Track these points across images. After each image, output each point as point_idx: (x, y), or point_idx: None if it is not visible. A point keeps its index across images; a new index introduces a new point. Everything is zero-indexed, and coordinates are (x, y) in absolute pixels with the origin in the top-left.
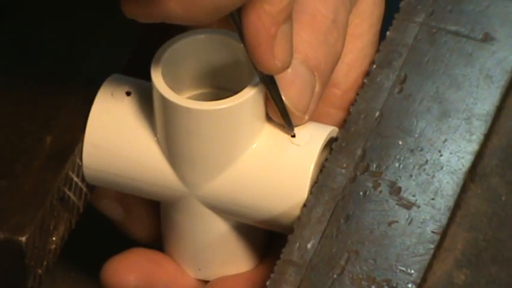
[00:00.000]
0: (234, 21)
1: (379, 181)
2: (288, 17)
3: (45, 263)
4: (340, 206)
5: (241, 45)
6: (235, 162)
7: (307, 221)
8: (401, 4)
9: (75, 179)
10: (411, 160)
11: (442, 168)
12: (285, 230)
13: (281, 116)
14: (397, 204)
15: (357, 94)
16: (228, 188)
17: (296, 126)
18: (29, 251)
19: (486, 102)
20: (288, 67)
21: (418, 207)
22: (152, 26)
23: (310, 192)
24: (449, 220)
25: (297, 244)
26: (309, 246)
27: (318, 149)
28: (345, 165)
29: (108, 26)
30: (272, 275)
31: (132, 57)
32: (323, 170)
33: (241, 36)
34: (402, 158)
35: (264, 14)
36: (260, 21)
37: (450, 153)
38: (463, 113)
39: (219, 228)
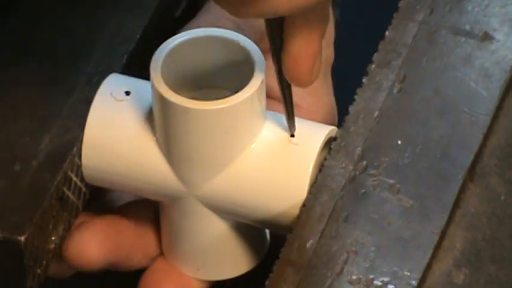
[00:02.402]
0: (271, 34)
1: (378, 181)
2: (326, 27)
3: (44, 262)
4: (339, 206)
5: (241, 44)
6: (234, 162)
7: (306, 221)
8: (400, 4)
9: (74, 178)
10: (410, 160)
11: (440, 167)
12: (284, 229)
13: (286, 116)
14: (396, 204)
15: (356, 94)
16: (227, 188)
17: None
18: (28, 251)
19: (485, 101)
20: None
21: (417, 207)
22: None
23: (309, 192)
24: (449, 220)
25: (296, 244)
26: (308, 246)
27: (317, 149)
28: (344, 164)
29: (108, 25)
30: (271, 275)
31: (131, 57)
32: (322, 170)
33: (276, 50)
34: (401, 158)
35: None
36: (310, 39)
37: (448, 153)
38: (462, 112)
39: (218, 227)
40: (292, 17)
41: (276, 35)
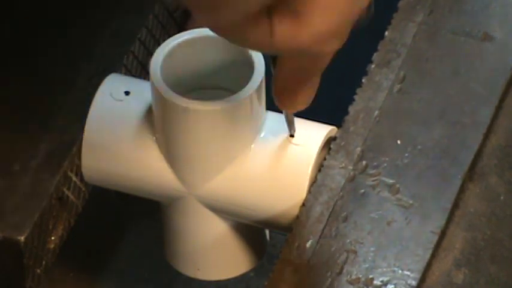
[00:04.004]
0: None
1: (378, 181)
2: (322, 70)
3: (44, 262)
4: (338, 206)
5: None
6: (234, 162)
7: (306, 221)
8: (400, 4)
9: (74, 178)
10: (410, 160)
11: (440, 167)
12: (284, 229)
13: (285, 117)
14: (395, 204)
15: (356, 94)
16: (227, 188)
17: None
18: (28, 251)
19: (485, 101)
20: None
21: (417, 207)
22: None
23: (309, 192)
24: (448, 220)
25: (296, 244)
26: (307, 245)
27: (317, 149)
28: (343, 164)
29: (107, 25)
30: (271, 275)
31: (131, 57)
32: (322, 170)
33: (274, 64)
34: (401, 158)
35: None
36: (295, 71)
37: (448, 153)
38: (461, 112)
39: (217, 228)
40: None
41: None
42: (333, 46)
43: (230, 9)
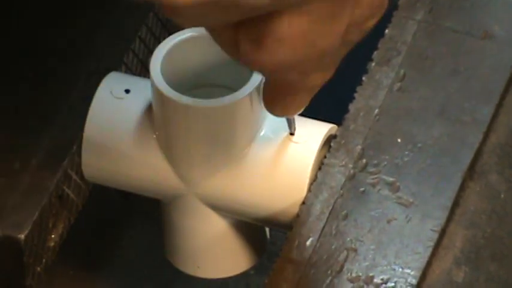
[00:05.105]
0: None
1: (378, 179)
2: (309, 90)
3: (44, 260)
4: (338, 204)
5: None
6: (234, 160)
7: (306, 219)
8: (400, 1)
9: (74, 176)
10: (410, 158)
11: (440, 165)
12: (284, 227)
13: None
14: (395, 202)
15: (356, 92)
16: (227, 186)
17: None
18: (28, 249)
19: (485, 99)
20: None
21: (417, 205)
22: None
23: (309, 190)
24: (448, 218)
25: (296, 242)
26: (307, 243)
27: (317, 147)
28: (343, 162)
29: (107, 24)
30: (271, 273)
31: (131, 55)
32: (322, 168)
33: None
34: (401, 156)
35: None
36: (279, 84)
37: (448, 151)
38: (461, 110)
39: (217, 225)
40: None
41: None
42: (296, 76)
43: (191, 20)
